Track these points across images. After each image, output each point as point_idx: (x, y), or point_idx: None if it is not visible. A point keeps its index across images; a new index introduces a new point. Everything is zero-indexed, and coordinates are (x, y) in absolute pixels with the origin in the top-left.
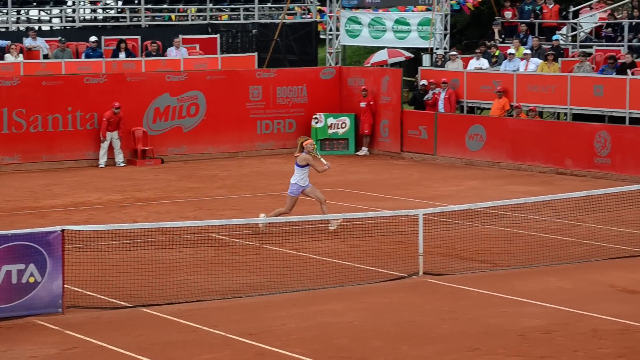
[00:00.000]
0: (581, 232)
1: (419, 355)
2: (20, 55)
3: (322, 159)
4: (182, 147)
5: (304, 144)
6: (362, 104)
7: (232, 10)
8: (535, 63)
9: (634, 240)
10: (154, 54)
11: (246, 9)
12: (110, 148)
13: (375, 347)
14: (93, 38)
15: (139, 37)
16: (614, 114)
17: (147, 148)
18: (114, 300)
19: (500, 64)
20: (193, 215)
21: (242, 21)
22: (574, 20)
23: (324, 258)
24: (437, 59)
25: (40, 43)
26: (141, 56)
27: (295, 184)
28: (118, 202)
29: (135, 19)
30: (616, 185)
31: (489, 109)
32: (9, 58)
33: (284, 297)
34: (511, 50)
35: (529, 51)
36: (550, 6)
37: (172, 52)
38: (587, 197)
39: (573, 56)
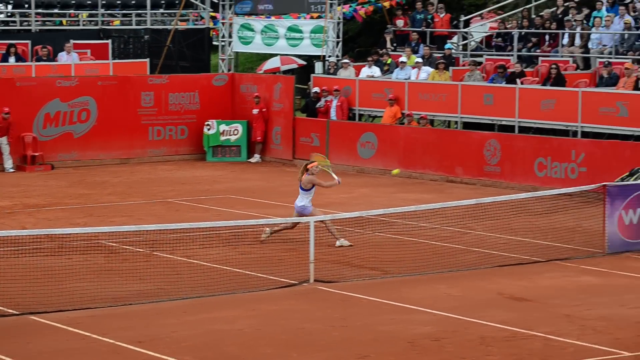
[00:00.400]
0: (470, 240)
1: None
2: None
3: (333, 174)
4: (72, 153)
5: (308, 166)
6: (255, 111)
7: (124, 15)
8: (426, 72)
9: (522, 247)
10: (45, 58)
11: (138, 15)
12: (0, 153)
13: (265, 355)
14: None
15: (29, 42)
16: (503, 122)
17: (37, 154)
18: (0, 308)
19: (392, 72)
20: (83, 222)
21: (134, 27)
22: (465, 30)
23: (215, 265)
24: (330, 67)
25: None
26: (31, 61)
27: (302, 206)
28: (6, 209)
29: (26, 23)
30: (505, 194)
31: (381, 116)
32: None
33: (174, 304)
34: (403, 59)
35: (420, 60)
36: (442, 15)
37: (62, 57)
38: (476, 205)
39: (464, 65)
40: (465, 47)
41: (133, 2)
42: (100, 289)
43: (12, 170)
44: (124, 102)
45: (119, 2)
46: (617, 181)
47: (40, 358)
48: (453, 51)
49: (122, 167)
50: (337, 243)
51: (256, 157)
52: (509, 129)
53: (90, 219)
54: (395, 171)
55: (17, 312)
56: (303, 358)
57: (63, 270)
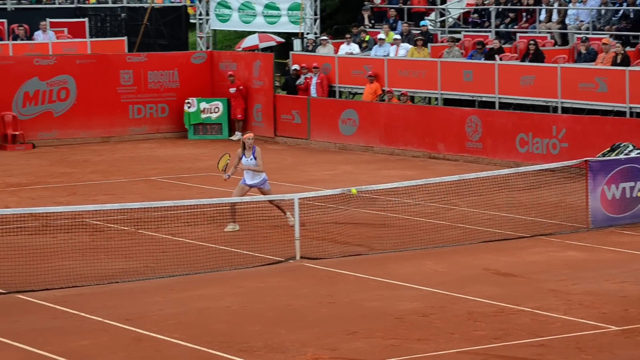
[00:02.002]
0: (455, 216)
1: (298, 339)
2: None
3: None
4: (53, 132)
5: (242, 138)
6: (232, 90)
7: None
8: (405, 48)
9: (506, 223)
10: (22, 37)
11: None
12: None
13: (253, 332)
14: None
15: (5, 21)
16: (484, 98)
17: (17, 133)
18: None
19: (370, 49)
20: (66, 201)
21: (110, 5)
22: (442, 6)
23: (200, 243)
24: (308, 44)
25: None
26: (8, 40)
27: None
28: None
29: (1, 1)
30: (487, 170)
31: (361, 93)
32: None
33: (160, 282)
34: (381, 36)
35: (398, 36)
36: None
37: (39, 36)
38: (459, 181)
39: (442, 42)
40: (443, 23)
41: None
42: (86, 267)
43: None
44: (103, 81)
45: None
46: (598, 156)
47: (28, 336)
48: (430, 28)
49: (103, 145)
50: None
51: (237, 135)
52: (490, 105)
53: (74, 197)
54: (354, 191)
55: (4, 291)
56: (292, 334)
57: (48, 249)
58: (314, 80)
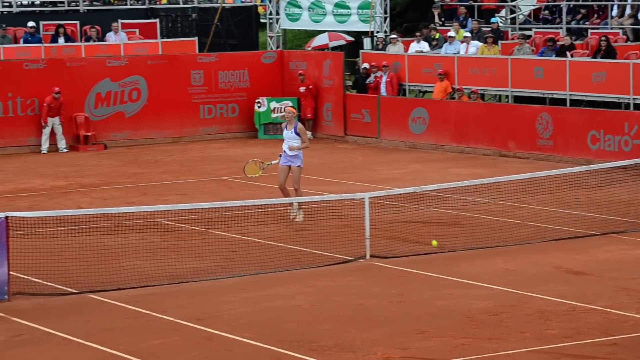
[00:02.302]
0: (525, 214)
1: (368, 338)
2: None
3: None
4: (124, 133)
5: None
6: (302, 89)
7: None
8: (475, 46)
9: (577, 221)
10: (94, 38)
11: None
12: (53, 134)
13: (324, 331)
14: (31, 23)
15: (77, 22)
16: (554, 96)
17: (89, 134)
18: (60, 287)
19: (440, 47)
20: (138, 201)
21: (181, 5)
22: (513, 3)
23: (271, 242)
24: (378, 42)
25: None
26: (80, 41)
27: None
28: (62, 188)
29: (74, 3)
30: (558, 167)
31: (431, 91)
32: None
33: (231, 281)
34: (451, 33)
35: (468, 34)
36: None
37: (111, 37)
38: (530, 179)
39: (512, 39)
40: (513, 20)
41: None
42: (157, 266)
43: (65, 150)
44: (174, 81)
45: None
46: None
47: (100, 336)
48: (501, 25)
49: (174, 145)
50: (298, 217)
51: (307, 134)
52: (560, 102)
53: (145, 197)
54: (434, 243)
55: (77, 291)
56: (362, 334)
57: (120, 249)
58: (384, 79)
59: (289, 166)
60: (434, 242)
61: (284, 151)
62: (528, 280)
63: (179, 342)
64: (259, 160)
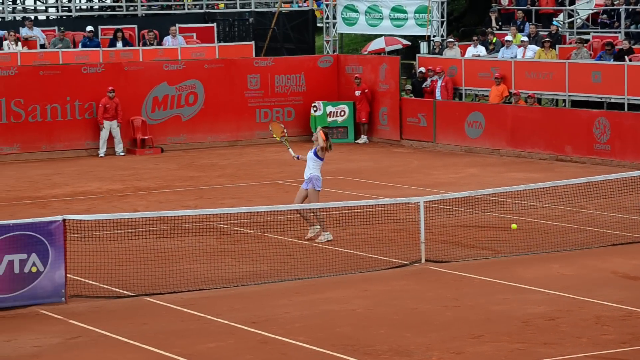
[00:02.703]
0: (582, 219)
1: (423, 342)
2: (19, 43)
3: (290, 149)
4: (181, 136)
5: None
6: (357, 92)
7: None
8: (532, 50)
9: (634, 226)
10: (151, 42)
11: None
12: (110, 137)
13: (378, 335)
14: (89, 28)
15: (135, 27)
16: (612, 100)
17: (146, 137)
18: (116, 290)
19: (497, 51)
20: (194, 204)
21: (238, 10)
22: (571, 7)
23: (326, 246)
24: (435, 47)
25: (37, 33)
26: (138, 45)
27: (318, 177)
28: (118, 192)
29: (132, 8)
30: (616, 172)
31: (487, 96)
32: (6, 46)
33: (286, 285)
34: (508, 38)
35: (526, 38)
36: None
37: (168, 41)
38: (587, 183)
39: (570, 43)
40: (571, 24)
41: None
42: (213, 270)
43: (122, 153)
44: (231, 85)
45: None
46: None
47: (156, 339)
48: (559, 29)
49: (230, 149)
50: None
51: (363, 138)
52: (618, 106)
53: (201, 201)
54: (514, 226)
55: (133, 294)
56: (417, 338)
57: (176, 252)
58: (439, 83)
59: (306, 189)
60: (514, 226)
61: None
62: (584, 285)
63: (234, 345)
64: (284, 130)
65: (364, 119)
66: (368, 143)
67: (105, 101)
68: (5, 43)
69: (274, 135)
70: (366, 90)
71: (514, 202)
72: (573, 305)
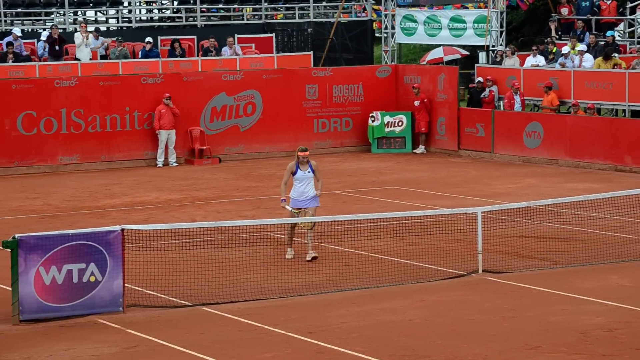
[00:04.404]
0: None
1: (480, 353)
2: (90, 36)
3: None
4: (239, 146)
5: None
6: (416, 102)
7: (287, 9)
8: (589, 60)
9: None
10: (212, 49)
11: (301, 8)
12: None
13: (435, 345)
14: (148, 38)
15: (194, 37)
16: None
17: (204, 147)
18: (174, 299)
19: (556, 61)
20: (251, 214)
21: (297, 20)
22: (632, 17)
23: (383, 256)
24: (496, 55)
25: (100, 43)
26: (197, 56)
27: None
28: (176, 202)
29: (191, 18)
30: None
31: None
32: (78, 38)
33: (342, 295)
34: (565, 50)
35: (584, 47)
36: (609, 2)
37: (226, 52)
38: None
39: (631, 52)
40: (631, 34)
41: None
42: (269, 280)
43: (175, 164)
44: (289, 95)
45: None
46: None
47: (213, 348)
48: (619, 39)
49: (288, 159)
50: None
51: (421, 148)
52: None
53: (258, 211)
54: None
55: (190, 304)
56: (474, 349)
57: (233, 262)
58: (517, 98)
59: (298, 210)
60: None
61: (297, 196)
62: None
63: (291, 355)
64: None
65: (423, 129)
66: (426, 153)
67: (161, 107)
68: (76, 35)
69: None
70: (425, 100)
71: (572, 213)
72: (632, 316)
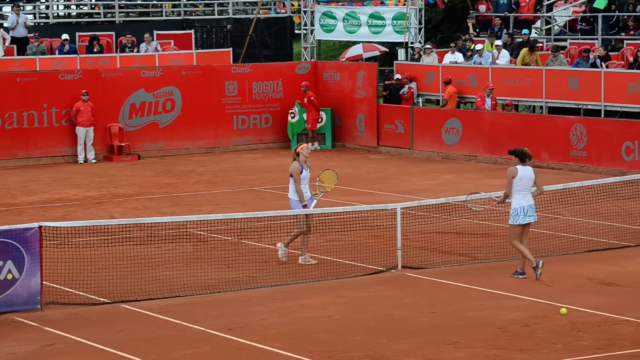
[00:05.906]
0: (558, 225)
1: (399, 349)
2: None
3: (314, 199)
4: (158, 143)
5: (297, 150)
6: (305, 100)
7: (207, 5)
8: (505, 56)
9: (611, 232)
10: (129, 46)
11: (220, 4)
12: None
13: (355, 341)
14: (65, 36)
15: (113, 33)
16: (589, 106)
17: (123, 144)
18: (92, 297)
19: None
20: (170, 211)
21: (216, 16)
22: (548, 14)
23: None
24: (414, 53)
25: (21, 20)
26: (116, 52)
27: (292, 200)
28: (95, 198)
29: (110, 14)
30: (592, 178)
31: (465, 102)
32: None
33: (262, 291)
34: (478, 47)
35: (500, 42)
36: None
37: (143, 48)
38: (564, 189)
39: (547, 49)
40: (548, 31)
41: None
42: (189, 277)
43: (94, 161)
44: (208, 92)
45: None
46: None
47: (132, 345)
48: (536, 35)
49: (207, 156)
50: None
51: (315, 145)
52: (595, 113)
53: (178, 207)
54: (563, 311)
55: (109, 301)
56: (393, 344)
57: (152, 259)
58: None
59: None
60: (563, 310)
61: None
62: (560, 291)
63: (210, 352)
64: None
65: (309, 126)
66: (319, 149)
67: (79, 104)
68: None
69: (324, 184)
70: (312, 97)
71: (491, 209)
72: (548, 311)
